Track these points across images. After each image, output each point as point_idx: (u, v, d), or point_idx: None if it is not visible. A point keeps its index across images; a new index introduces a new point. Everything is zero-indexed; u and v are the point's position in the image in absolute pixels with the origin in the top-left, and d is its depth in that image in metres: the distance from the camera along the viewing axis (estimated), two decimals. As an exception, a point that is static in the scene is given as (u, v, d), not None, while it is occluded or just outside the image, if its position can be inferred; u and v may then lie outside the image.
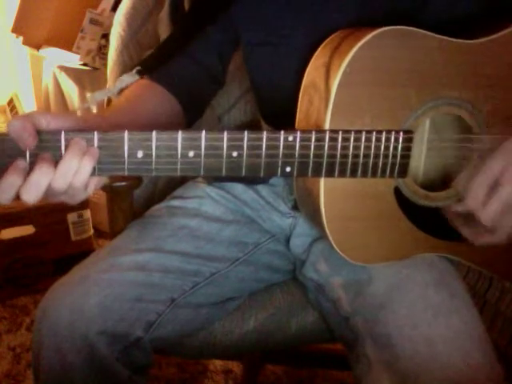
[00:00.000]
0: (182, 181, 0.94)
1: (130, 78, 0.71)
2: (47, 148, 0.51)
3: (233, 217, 0.83)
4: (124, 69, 0.96)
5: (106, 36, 1.76)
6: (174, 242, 0.76)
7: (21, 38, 1.93)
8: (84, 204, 1.59)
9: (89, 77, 1.80)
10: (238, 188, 0.85)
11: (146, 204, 0.92)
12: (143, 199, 0.97)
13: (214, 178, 0.85)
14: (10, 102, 2.21)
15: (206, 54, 0.78)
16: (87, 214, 1.62)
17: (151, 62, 0.74)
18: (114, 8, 1.71)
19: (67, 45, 1.83)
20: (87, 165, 0.51)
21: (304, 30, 0.68)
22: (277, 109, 0.76)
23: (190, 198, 0.84)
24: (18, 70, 2.32)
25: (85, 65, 1.84)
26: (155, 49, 0.76)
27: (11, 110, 2.18)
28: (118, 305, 0.67)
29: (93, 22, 1.78)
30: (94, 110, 1.77)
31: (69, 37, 1.81)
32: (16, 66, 2.32)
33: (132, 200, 0.89)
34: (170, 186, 0.98)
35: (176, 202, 0.84)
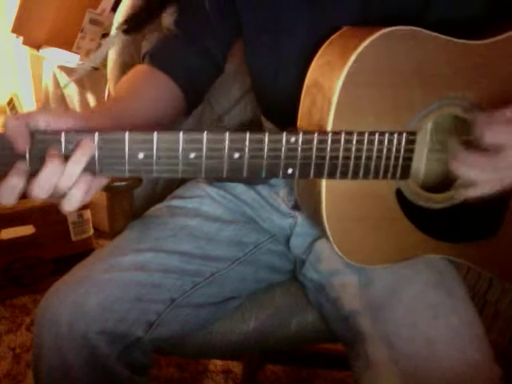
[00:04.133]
0: (182, 181, 0.94)
1: (114, 37, 0.70)
2: (47, 149, 0.50)
3: (233, 217, 0.83)
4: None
5: (105, 36, 1.76)
6: (174, 242, 0.76)
7: (21, 38, 1.93)
8: (84, 204, 1.59)
9: (89, 77, 1.80)
10: (239, 188, 0.84)
11: (146, 204, 0.92)
12: (143, 199, 0.97)
13: (215, 178, 0.85)
14: (10, 101, 2.21)
15: (208, 39, 0.77)
16: (87, 214, 1.62)
17: (136, 20, 0.73)
18: (114, 8, 1.71)
19: (67, 45, 1.82)
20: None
21: (306, 26, 0.68)
22: (277, 105, 0.76)
23: (190, 197, 0.84)
24: (18, 70, 2.32)
25: (85, 65, 1.84)
26: (139, 7, 0.75)
27: (11, 110, 2.18)
28: (118, 305, 0.67)
29: (93, 22, 1.78)
30: (91, 100, 1.77)
31: (69, 37, 1.81)
32: (16, 66, 2.32)
33: (132, 200, 0.89)
34: (170, 185, 0.98)
35: (176, 202, 0.84)
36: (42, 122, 0.50)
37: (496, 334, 1.27)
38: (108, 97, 0.97)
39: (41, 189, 0.50)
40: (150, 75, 0.74)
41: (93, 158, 0.51)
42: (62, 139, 0.50)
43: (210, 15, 0.76)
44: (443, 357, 0.59)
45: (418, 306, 0.63)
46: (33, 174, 0.50)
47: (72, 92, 1.85)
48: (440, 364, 0.59)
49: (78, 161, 0.50)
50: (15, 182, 0.49)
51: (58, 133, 0.50)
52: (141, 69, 0.75)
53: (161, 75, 0.74)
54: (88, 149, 0.50)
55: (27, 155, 0.50)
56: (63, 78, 1.85)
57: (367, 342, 0.65)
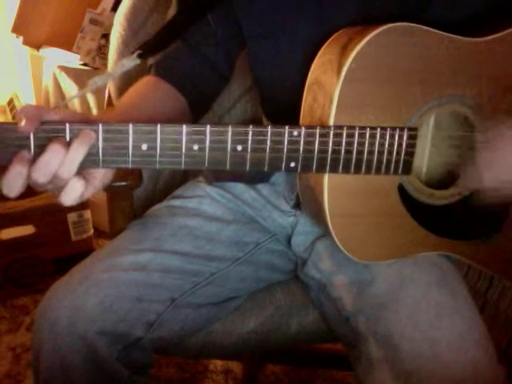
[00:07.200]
0: (182, 180, 0.94)
1: (130, 62, 0.70)
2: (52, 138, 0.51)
3: (233, 216, 0.83)
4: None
5: (106, 36, 1.76)
6: (174, 242, 0.76)
7: (21, 38, 1.93)
8: (84, 204, 1.59)
9: (89, 77, 1.78)
10: (239, 187, 0.84)
11: (146, 204, 0.92)
12: (143, 199, 0.97)
13: (215, 178, 0.85)
14: (10, 101, 2.21)
15: (212, 50, 0.78)
16: (87, 214, 1.62)
17: (152, 45, 0.74)
18: (114, 8, 1.71)
19: (67, 45, 1.82)
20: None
21: (307, 27, 0.68)
22: (279, 105, 0.76)
23: (190, 197, 0.84)
24: (17, 70, 2.32)
25: (85, 65, 1.84)
26: (156, 33, 0.75)
27: (11, 110, 2.17)
28: (118, 305, 0.67)
29: (93, 21, 1.78)
30: (92, 100, 1.77)
31: (69, 37, 1.81)
32: (16, 66, 2.32)
33: (132, 200, 0.89)
34: (170, 185, 0.98)
35: (176, 202, 0.84)
36: (54, 115, 0.51)
37: (496, 334, 1.27)
38: (110, 104, 0.97)
39: (40, 172, 0.50)
40: (155, 85, 0.75)
41: (96, 148, 0.52)
42: (67, 129, 0.51)
43: (212, 25, 0.76)
44: (446, 357, 0.59)
45: (421, 306, 0.63)
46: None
47: (72, 92, 1.85)
48: (443, 364, 0.58)
49: (78, 149, 0.51)
50: (19, 169, 0.49)
51: (62, 123, 0.51)
52: (146, 79, 0.76)
53: (166, 85, 0.75)
54: (88, 138, 0.51)
55: (32, 143, 0.50)
56: (64, 82, 1.85)
57: (369, 343, 0.64)
